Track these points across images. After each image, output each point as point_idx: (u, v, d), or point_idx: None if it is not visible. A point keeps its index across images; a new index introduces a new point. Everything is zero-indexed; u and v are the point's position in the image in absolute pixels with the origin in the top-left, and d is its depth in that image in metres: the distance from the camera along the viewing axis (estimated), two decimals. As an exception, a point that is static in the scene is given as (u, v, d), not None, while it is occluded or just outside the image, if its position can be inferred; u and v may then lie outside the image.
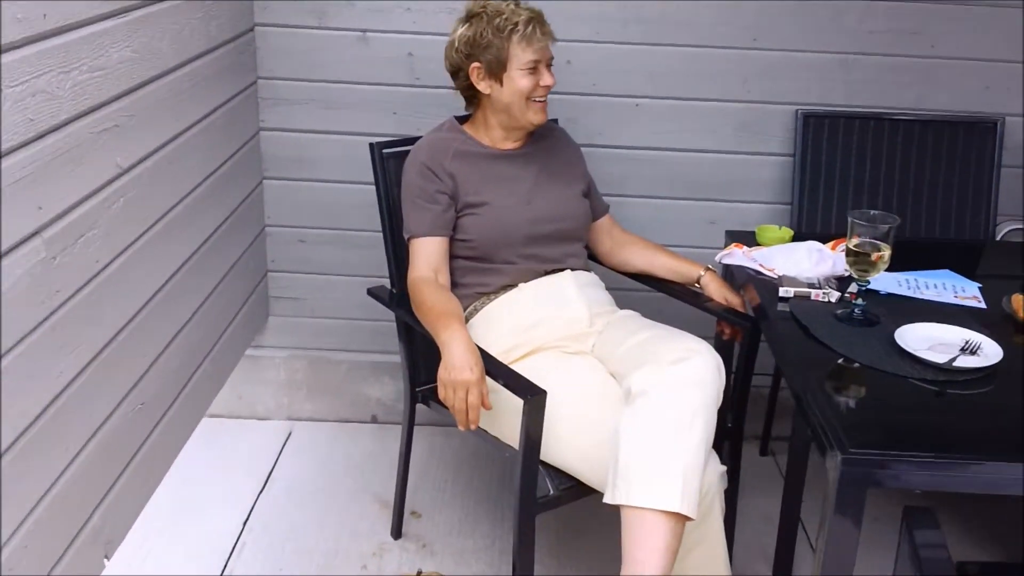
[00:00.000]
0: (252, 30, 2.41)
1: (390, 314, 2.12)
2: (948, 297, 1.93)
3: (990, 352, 1.65)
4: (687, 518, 1.63)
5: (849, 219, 1.77)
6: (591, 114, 2.52)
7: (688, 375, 1.69)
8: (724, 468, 1.80)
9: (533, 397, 1.68)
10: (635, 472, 1.64)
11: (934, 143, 2.49)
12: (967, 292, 1.96)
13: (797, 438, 2.09)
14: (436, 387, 2.14)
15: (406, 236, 2.00)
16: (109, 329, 1.67)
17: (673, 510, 1.61)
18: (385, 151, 2.07)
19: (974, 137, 2.49)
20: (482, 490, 2.53)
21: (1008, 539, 2.37)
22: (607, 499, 1.69)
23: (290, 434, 2.77)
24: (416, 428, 2.25)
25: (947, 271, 2.07)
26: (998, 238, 2.54)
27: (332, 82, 2.49)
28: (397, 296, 2.11)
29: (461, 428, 1.78)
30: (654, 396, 1.67)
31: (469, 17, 1.98)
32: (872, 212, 1.77)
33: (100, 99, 1.57)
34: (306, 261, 2.68)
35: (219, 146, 2.21)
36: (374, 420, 2.85)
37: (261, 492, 2.49)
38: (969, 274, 2.07)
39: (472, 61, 1.96)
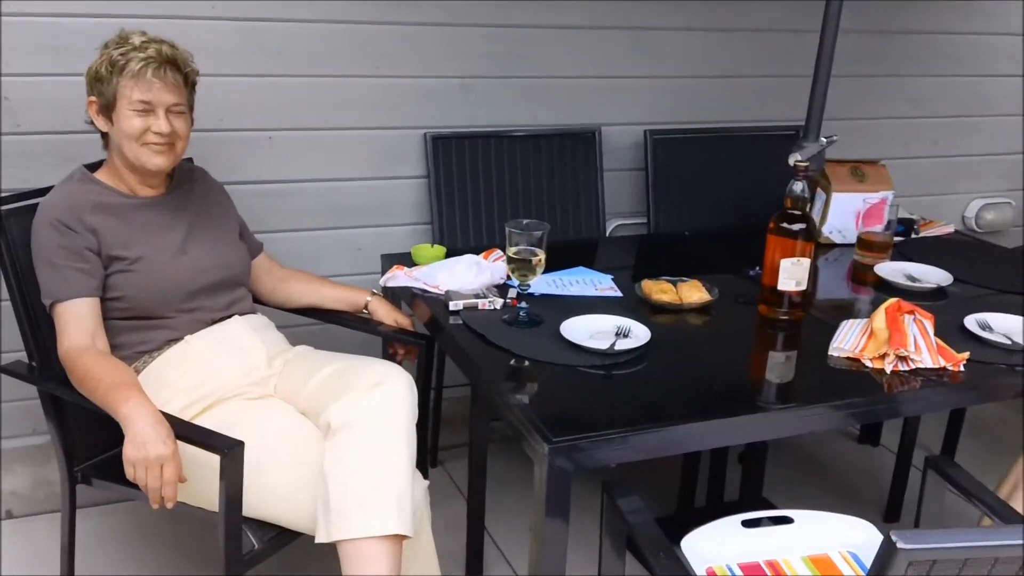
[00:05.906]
0: None
1: (13, 392, 1.86)
2: (590, 291, 2.15)
3: (640, 333, 1.86)
4: (404, 537, 1.65)
5: (506, 229, 1.89)
6: (224, 150, 2.42)
7: (388, 399, 1.71)
8: (427, 482, 1.84)
9: (230, 451, 1.59)
10: (349, 505, 1.62)
11: (547, 154, 2.75)
12: (603, 284, 2.19)
13: (475, 444, 2.19)
14: (101, 462, 1.96)
15: (47, 302, 1.77)
16: None
17: (392, 533, 1.61)
18: (2, 208, 1.82)
19: (579, 146, 2.79)
20: (162, 565, 2.32)
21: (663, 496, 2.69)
22: (321, 539, 1.65)
23: (-98, 555, 2.32)
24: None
25: (581, 268, 2.30)
26: (608, 234, 2.88)
27: (-91, 136, 2.14)
28: (39, 368, 1.86)
29: (155, 506, 1.60)
30: (359, 426, 1.66)
31: (104, 47, 1.82)
32: (525, 221, 1.90)
33: None
34: None
35: None
36: (9, 516, 2.48)
37: None
38: (597, 268, 2.31)
39: (90, 95, 1.82)
